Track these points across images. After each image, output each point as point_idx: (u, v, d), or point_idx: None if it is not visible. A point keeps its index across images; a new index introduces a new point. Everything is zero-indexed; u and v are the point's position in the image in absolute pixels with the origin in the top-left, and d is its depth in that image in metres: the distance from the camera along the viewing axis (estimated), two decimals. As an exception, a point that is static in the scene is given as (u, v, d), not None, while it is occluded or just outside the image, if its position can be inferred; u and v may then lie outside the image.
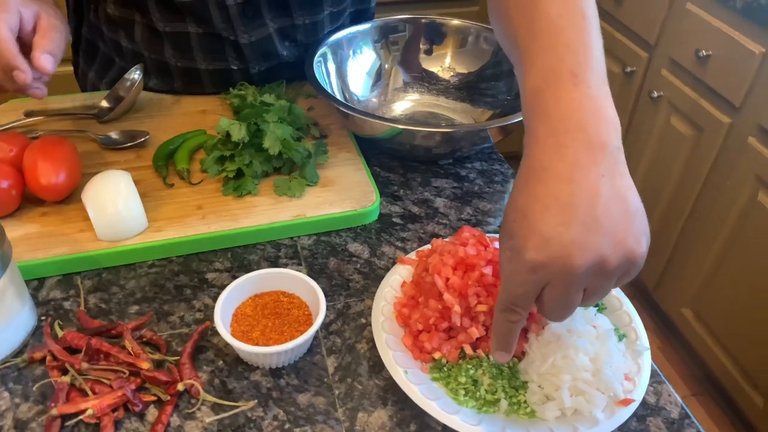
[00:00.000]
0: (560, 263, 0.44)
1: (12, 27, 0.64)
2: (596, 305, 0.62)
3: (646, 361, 0.57)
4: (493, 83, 0.92)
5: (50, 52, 0.65)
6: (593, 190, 0.45)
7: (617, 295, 0.64)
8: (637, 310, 0.62)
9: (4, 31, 0.63)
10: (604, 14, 1.81)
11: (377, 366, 0.59)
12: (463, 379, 0.56)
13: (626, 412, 0.53)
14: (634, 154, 1.78)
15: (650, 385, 0.58)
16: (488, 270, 0.58)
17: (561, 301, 0.47)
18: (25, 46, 0.65)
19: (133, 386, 0.54)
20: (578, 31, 0.51)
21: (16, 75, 0.63)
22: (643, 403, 0.57)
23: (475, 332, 0.57)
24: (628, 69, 1.73)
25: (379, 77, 0.92)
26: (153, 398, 0.55)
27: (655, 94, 1.65)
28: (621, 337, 0.60)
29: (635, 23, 1.69)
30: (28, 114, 0.81)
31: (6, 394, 0.55)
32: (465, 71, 0.93)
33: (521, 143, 0.51)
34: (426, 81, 0.94)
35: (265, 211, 0.71)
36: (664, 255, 1.74)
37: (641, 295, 1.90)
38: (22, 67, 0.63)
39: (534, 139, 0.49)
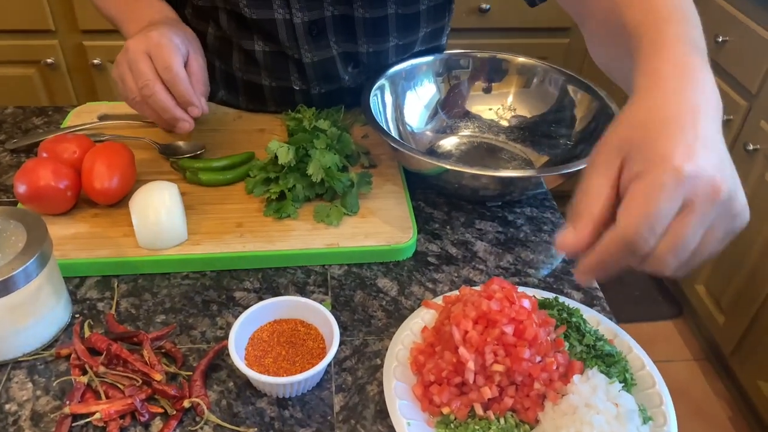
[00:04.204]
0: (708, 179, 0.43)
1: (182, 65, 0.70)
2: (624, 380, 0.58)
3: (671, 452, 0.53)
4: (554, 128, 0.88)
5: (204, 94, 0.72)
6: (720, 140, 0.46)
7: (651, 372, 0.59)
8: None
9: (181, 70, 0.68)
10: (703, 57, 1.71)
11: (384, 412, 0.57)
12: (468, 440, 0.54)
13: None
14: (721, 207, 1.65)
15: (673, 479, 0.53)
16: (509, 329, 0.56)
17: (691, 231, 0.44)
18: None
19: (143, 395, 0.56)
20: (697, 22, 0.55)
21: (191, 110, 0.70)
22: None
23: (488, 392, 0.55)
24: (724, 117, 1.62)
25: (437, 111, 0.91)
26: (160, 410, 0.56)
27: (751, 147, 1.53)
28: (646, 420, 0.55)
29: (736, 69, 1.58)
30: (101, 117, 0.86)
31: (30, 385, 0.58)
32: (527, 114, 0.90)
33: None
34: (484, 118, 0.92)
35: (301, 236, 0.72)
36: (745, 319, 1.60)
37: (716, 358, 1.76)
38: (197, 104, 0.70)
39: (682, 58, 0.50)
